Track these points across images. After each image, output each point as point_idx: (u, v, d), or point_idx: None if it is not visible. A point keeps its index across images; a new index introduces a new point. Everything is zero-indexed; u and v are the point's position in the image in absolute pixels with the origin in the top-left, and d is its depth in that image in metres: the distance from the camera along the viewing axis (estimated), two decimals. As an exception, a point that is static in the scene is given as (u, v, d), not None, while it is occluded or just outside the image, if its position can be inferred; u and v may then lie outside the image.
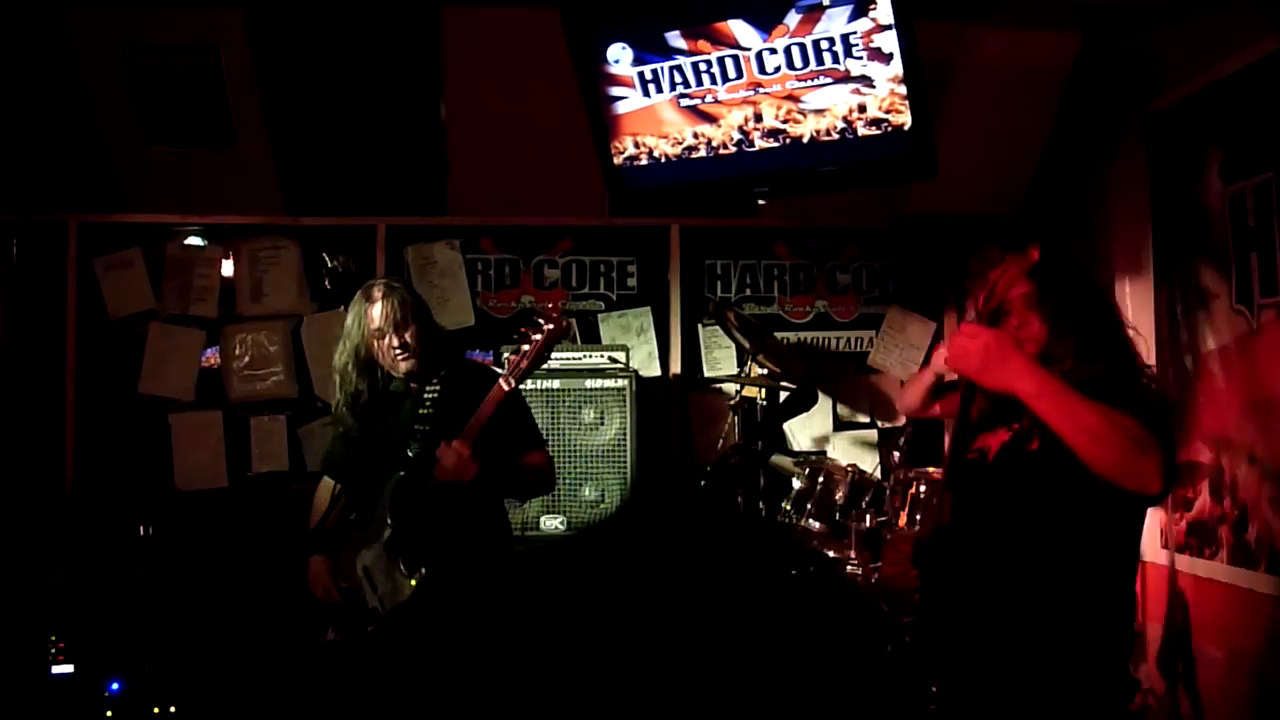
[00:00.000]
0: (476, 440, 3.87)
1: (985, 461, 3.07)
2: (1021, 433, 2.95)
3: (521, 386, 4.00)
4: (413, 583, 3.93)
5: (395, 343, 4.01)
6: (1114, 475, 2.65)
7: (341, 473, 4.29)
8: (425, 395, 4.11)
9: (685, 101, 4.91)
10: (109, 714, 5.07)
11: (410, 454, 4.03)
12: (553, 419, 5.63)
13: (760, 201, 5.16)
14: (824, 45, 4.51)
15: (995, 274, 2.88)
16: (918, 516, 4.91)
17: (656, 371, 6.31)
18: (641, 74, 4.93)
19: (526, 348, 3.91)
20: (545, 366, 5.64)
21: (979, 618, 2.98)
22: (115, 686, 5.09)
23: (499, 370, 3.99)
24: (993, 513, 2.97)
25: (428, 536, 3.98)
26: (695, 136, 4.95)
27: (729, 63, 4.73)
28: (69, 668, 5.12)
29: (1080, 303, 3.02)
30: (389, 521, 4.01)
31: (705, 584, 5.44)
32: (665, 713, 4.85)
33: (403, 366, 4.05)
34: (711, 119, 4.89)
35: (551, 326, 3.91)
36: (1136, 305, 5.12)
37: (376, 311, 4.03)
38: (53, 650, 5.11)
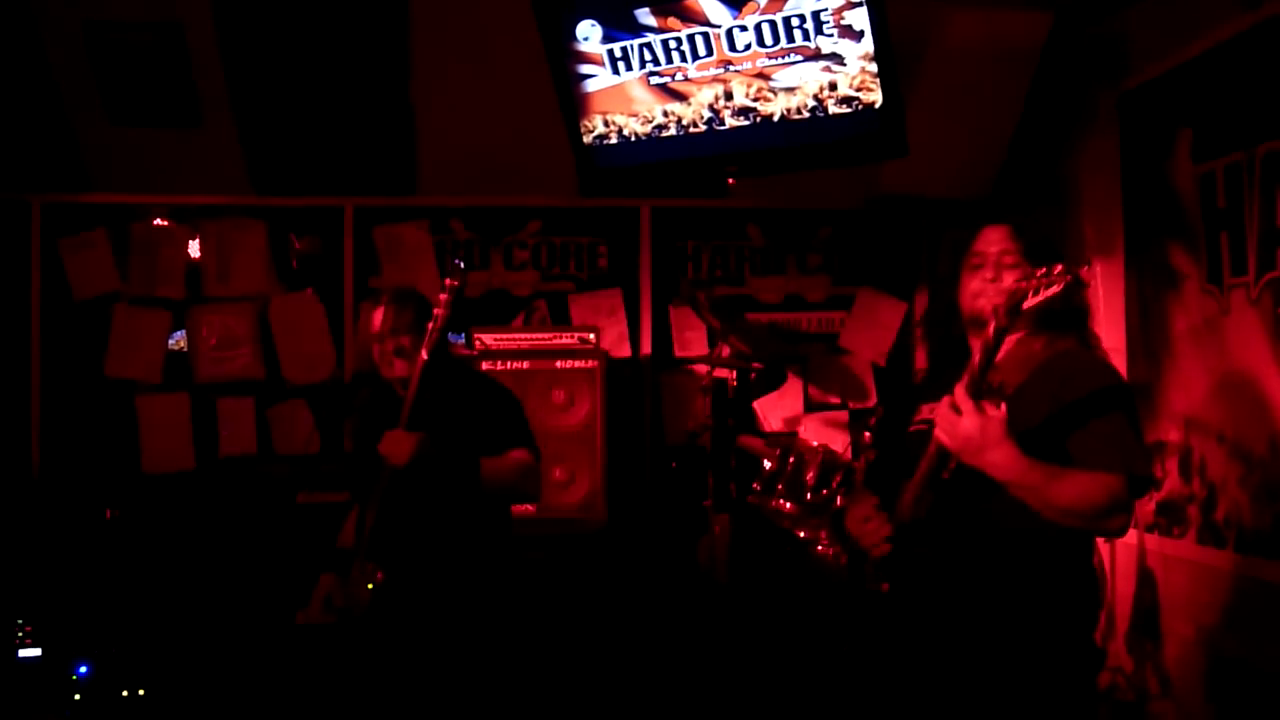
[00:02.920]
0: (430, 425, 3.74)
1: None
2: None
3: (495, 369, 3.84)
4: (370, 587, 3.81)
5: (390, 347, 3.94)
6: (1079, 529, 2.87)
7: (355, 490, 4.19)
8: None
9: (655, 79, 4.88)
10: (77, 697, 5.03)
11: None
12: (522, 400, 5.59)
13: (730, 181, 5.13)
14: (794, 22, 4.49)
15: (1021, 287, 2.64)
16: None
17: (627, 353, 6.29)
18: (611, 51, 4.90)
19: (437, 311, 3.71)
20: (515, 347, 5.67)
21: (948, 594, 2.98)
22: (83, 670, 5.05)
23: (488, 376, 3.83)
24: (957, 491, 2.96)
25: (386, 538, 3.87)
26: (665, 115, 4.93)
27: (699, 40, 4.71)
28: (36, 651, 5.09)
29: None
30: (365, 527, 3.90)
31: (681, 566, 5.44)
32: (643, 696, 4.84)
33: (395, 370, 3.94)
34: (682, 97, 4.86)
35: (455, 283, 3.69)
36: (1107, 286, 5.12)
37: (379, 316, 3.97)
38: (20, 634, 5.07)
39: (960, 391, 2.72)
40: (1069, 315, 3.02)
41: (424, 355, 3.76)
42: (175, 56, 5.52)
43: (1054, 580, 2.94)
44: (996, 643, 2.92)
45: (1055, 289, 2.59)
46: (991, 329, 2.68)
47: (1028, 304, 2.62)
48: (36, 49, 5.46)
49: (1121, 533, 2.90)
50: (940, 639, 2.99)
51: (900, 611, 3.06)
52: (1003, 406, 2.74)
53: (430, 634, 3.85)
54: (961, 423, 2.72)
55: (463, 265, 3.69)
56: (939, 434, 2.79)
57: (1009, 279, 2.91)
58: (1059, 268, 2.60)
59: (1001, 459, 2.73)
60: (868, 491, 3.21)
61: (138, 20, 5.43)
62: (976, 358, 2.72)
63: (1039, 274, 2.62)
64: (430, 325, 3.73)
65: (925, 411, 3.15)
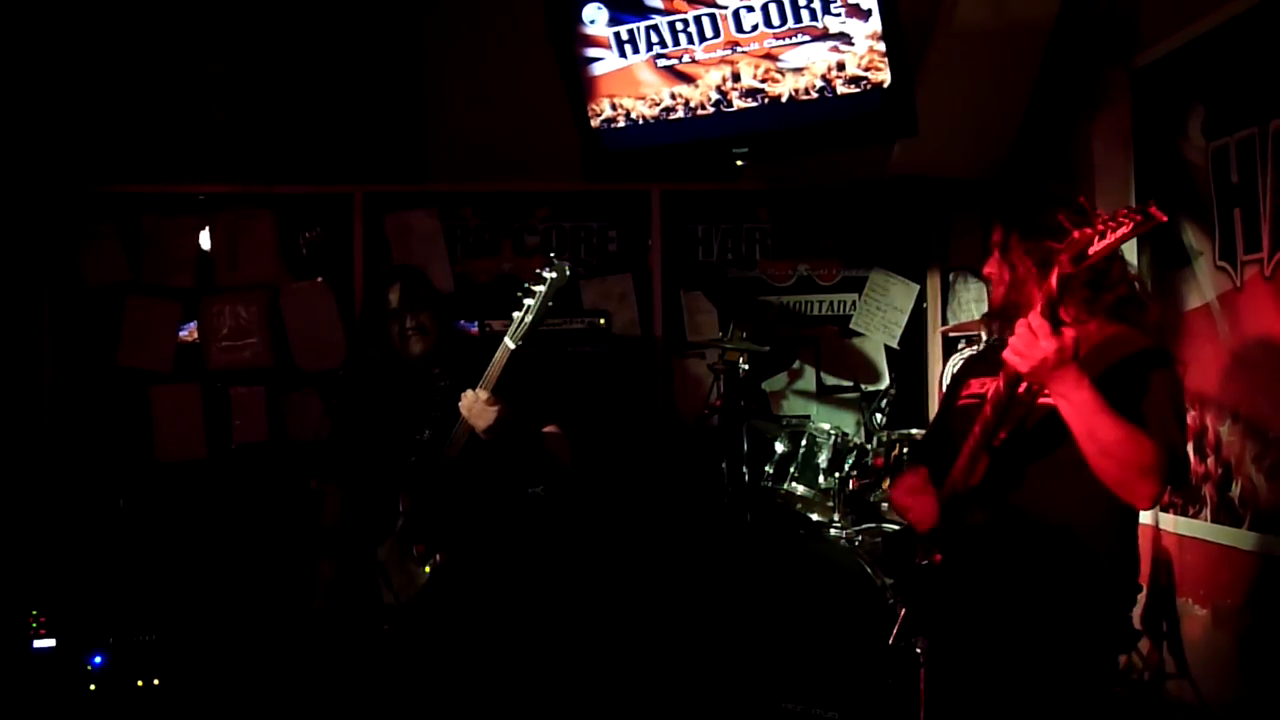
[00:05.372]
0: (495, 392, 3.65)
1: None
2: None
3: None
4: (427, 570, 3.77)
5: (411, 324, 3.91)
6: (1108, 485, 2.87)
7: (346, 473, 4.17)
8: (438, 381, 3.99)
9: (662, 62, 4.86)
10: (92, 688, 5.04)
11: (422, 438, 3.91)
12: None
13: (739, 163, 5.11)
14: (801, 2, 4.46)
15: (1087, 233, 2.65)
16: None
17: (639, 336, 6.27)
18: (618, 34, 4.88)
19: (530, 301, 3.61)
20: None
21: (991, 570, 3.05)
22: (98, 660, 5.05)
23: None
24: (1010, 460, 3.02)
25: (442, 520, 3.83)
26: (673, 97, 4.91)
27: (706, 21, 4.68)
28: (51, 641, 5.08)
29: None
30: (401, 509, 3.88)
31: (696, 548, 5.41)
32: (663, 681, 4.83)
33: (416, 348, 3.93)
34: (689, 79, 4.84)
35: (553, 275, 3.60)
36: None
37: (395, 293, 3.94)
38: (34, 624, 5.07)
39: (1036, 315, 2.75)
40: (1119, 302, 3.13)
41: (513, 345, 3.63)
42: (183, 43, 5.51)
43: (1099, 563, 3.01)
44: (1039, 622, 2.98)
45: (1124, 230, 2.59)
46: (1057, 270, 2.70)
47: (1094, 249, 2.63)
48: (45, 39, 5.46)
49: (1149, 503, 2.93)
50: (985, 615, 3.04)
51: (951, 584, 3.10)
52: (1074, 330, 2.80)
53: (485, 619, 3.82)
54: (1038, 343, 2.75)
55: (555, 256, 3.63)
56: (1009, 356, 2.81)
57: (985, 269, 3.25)
58: (1123, 211, 2.61)
59: (1069, 383, 2.79)
60: (915, 465, 3.26)
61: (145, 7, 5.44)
62: (1053, 284, 2.73)
63: (1104, 219, 2.62)
64: (525, 315, 3.61)
65: (974, 386, 3.25)
